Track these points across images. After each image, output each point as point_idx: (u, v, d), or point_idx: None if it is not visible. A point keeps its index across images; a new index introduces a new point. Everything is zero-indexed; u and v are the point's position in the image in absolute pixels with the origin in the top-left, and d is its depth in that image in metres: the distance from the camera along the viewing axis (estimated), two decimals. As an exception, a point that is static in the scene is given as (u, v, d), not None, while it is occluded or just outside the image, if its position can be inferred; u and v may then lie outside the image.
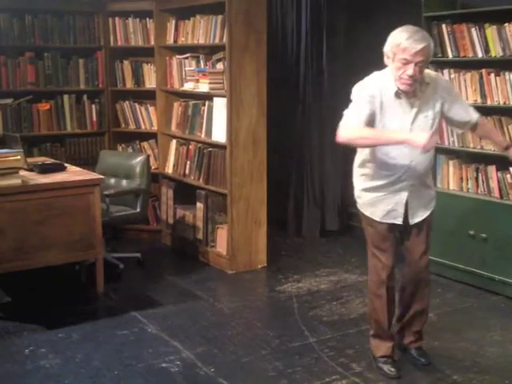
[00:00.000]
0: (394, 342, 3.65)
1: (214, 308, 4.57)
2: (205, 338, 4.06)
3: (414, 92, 3.32)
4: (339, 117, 3.38)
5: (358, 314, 4.41)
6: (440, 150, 5.10)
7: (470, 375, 3.56)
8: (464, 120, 3.51)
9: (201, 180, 5.53)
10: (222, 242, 5.36)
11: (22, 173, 4.53)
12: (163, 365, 3.70)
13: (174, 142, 5.94)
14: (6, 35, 5.71)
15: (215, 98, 5.28)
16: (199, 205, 5.52)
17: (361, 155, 3.50)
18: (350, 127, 3.30)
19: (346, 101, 3.41)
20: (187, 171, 5.73)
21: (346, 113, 3.35)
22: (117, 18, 6.12)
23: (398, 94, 3.32)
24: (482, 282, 4.80)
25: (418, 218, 3.53)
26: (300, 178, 6.27)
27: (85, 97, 6.15)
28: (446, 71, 4.96)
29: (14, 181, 4.32)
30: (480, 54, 4.72)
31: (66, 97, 6.04)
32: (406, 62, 3.19)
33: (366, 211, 3.54)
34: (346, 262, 5.51)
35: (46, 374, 3.62)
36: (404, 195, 3.46)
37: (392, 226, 3.51)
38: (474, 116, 3.51)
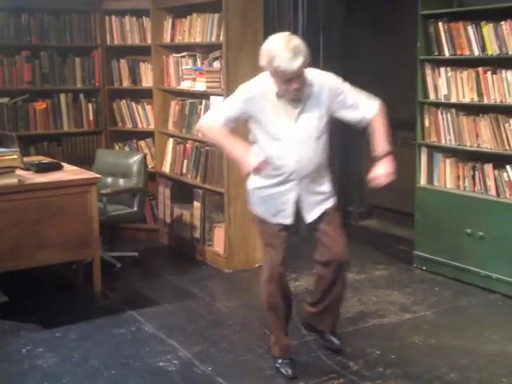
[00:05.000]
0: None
1: (211, 307, 4.57)
2: (202, 336, 4.06)
3: None
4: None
5: (354, 312, 4.42)
6: (437, 148, 5.11)
7: (468, 373, 3.56)
8: (356, 119, 3.43)
9: (198, 179, 5.53)
10: (219, 241, 5.36)
11: (19, 172, 4.51)
12: (160, 364, 3.70)
13: (171, 141, 5.94)
14: (2, 34, 5.70)
15: (212, 97, 5.28)
16: (196, 204, 5.51)
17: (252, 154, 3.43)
18: (212, 122, 3.43)
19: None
20: (184, 170, 5.72)
21: (220, 105, 3.45)
22: (113, 17, 6.11)
23: (279, 95, 3.32)
24: (479, 280, 4.80)
25: (314, 214, 3.52)
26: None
27: (81, 96, 6.13)
28: (442, 69, 4.96)
29: (10, 180, 4.32)
30: (477, 52, 4.72)
31: (62, 96, 6.03)
32: (289, 79, 3.19)
33: (257, 210, 3.55)
34: (344, 261, 5.50)
35: (43, 373, 3.61)
36: (293, 195, 3.44)
37: (283, 225, 3.50)
38: (368, 113, 3.40)
